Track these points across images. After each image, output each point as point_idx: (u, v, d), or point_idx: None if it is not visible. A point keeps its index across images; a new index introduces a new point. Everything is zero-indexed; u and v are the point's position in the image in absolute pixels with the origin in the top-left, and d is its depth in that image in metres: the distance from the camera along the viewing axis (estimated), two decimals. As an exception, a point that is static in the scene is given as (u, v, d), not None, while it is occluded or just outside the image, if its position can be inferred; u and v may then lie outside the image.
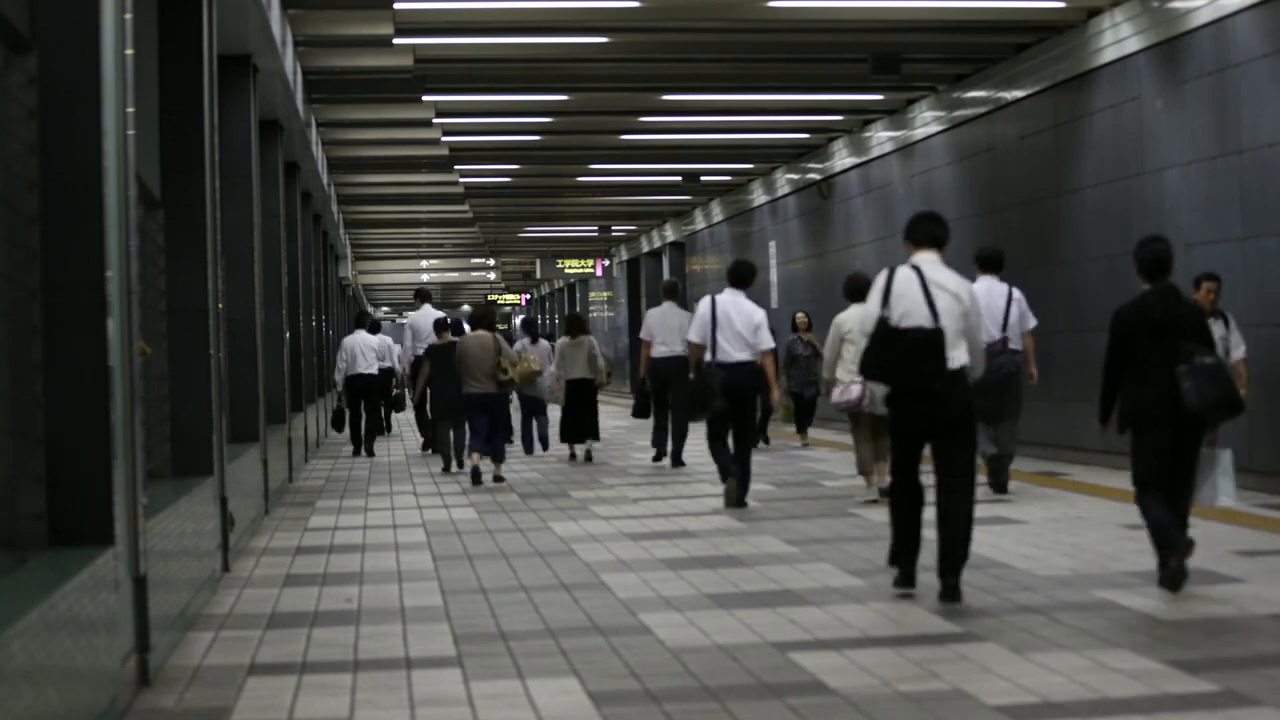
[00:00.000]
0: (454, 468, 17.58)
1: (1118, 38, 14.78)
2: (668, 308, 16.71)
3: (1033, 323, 13.08)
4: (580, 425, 18.40)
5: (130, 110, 6.68)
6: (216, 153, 10.36)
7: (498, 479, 15.63)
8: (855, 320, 11.33)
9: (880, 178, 21.95)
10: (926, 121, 19.86)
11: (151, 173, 9.43)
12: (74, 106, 6.04)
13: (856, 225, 23.08)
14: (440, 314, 19.46)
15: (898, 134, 20.99)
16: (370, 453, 21.15)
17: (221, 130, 11.01)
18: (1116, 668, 6.31)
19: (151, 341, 8.87)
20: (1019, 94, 17.02)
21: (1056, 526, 10.92)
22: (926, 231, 8.29)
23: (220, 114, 10.96)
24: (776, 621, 7.60)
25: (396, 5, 14.19)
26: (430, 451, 20.30)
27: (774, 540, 10.65)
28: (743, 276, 12.86)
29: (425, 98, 18.73)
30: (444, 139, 22.27)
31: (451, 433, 17.58)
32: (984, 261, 12.94)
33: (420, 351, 19.72)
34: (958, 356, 8.08)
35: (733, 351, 12.37)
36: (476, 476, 15.55)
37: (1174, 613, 7.48)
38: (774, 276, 27.60)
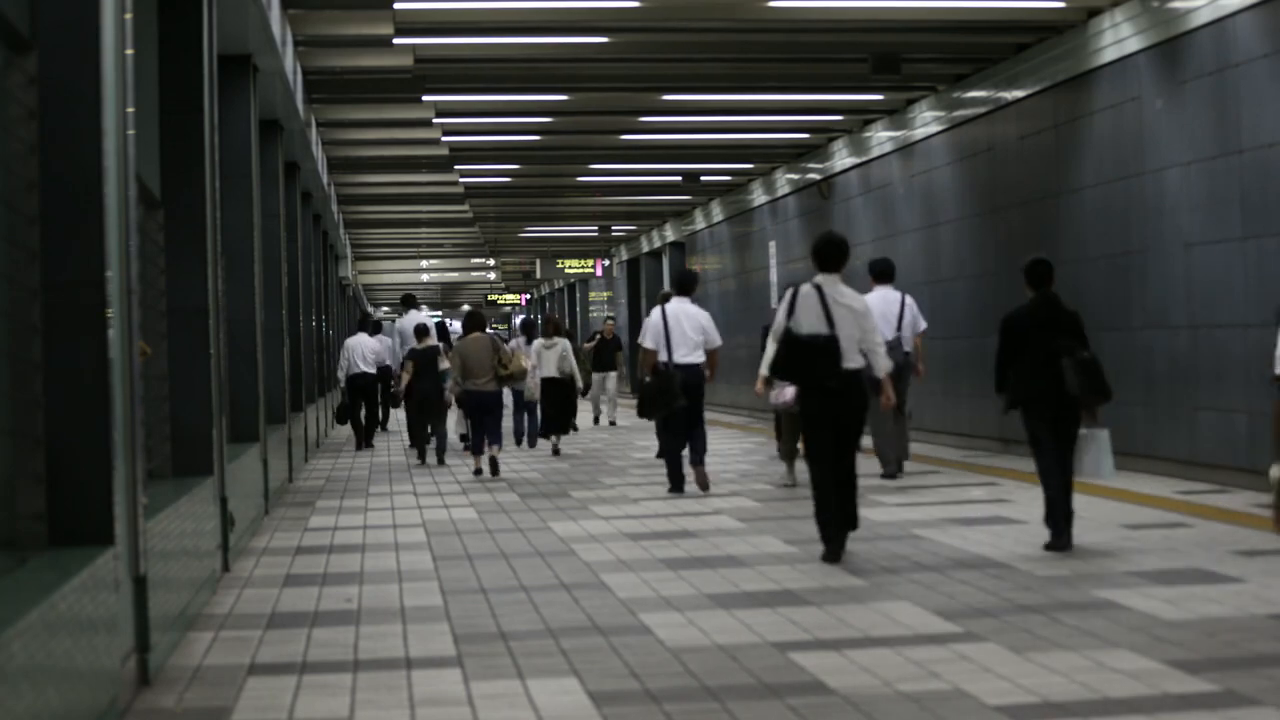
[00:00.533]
0: (428, 460, 19.08)
1: (1118, 38, 14.78)
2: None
3: (923, 325, 15.19)
4: (552, 420, 19.81)
5: (130, 110, 6.68)
6: (216, 153, 10.36)
7: (495, 467, 16.64)
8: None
9: (880, 178, 21.95)
10: (926, 121, 19.86)
11: (151, 173, 9.43)
12: (74, 106, 6.04)
13: (856, 225, 23.07)
14: (423, 319, 21.00)
15: (898, 134, 20.99)
16: (369, 444, 22.65)
17: (221, 130, 11.01)
18: (1116, 668, 6.31)
19: (151, 341, 8.87)
20: (1019, 94, 17.02)
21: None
22: (829, 257, 9.93)
23: (220, 114, 10.96)
24: (776, 621, 7.61)
25: (396, 5, 14.19)
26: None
27: (774, 540, 10.65)
28: (687, 285, 14.23)
29: (425, 98, 18.73)
30: (444, 139, 22.27)
31: (432, 433, 19.23)
32: (877, 274, 15.24)
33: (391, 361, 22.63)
34: (854, 360, 9.69)
35: (687, 353, 13.71)
36: (495, 467, 16.60)
37: (1174, 613, 7.48)
38: (774, 276, 27.60)
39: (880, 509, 12.32)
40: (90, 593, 5.50)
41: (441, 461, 18.95)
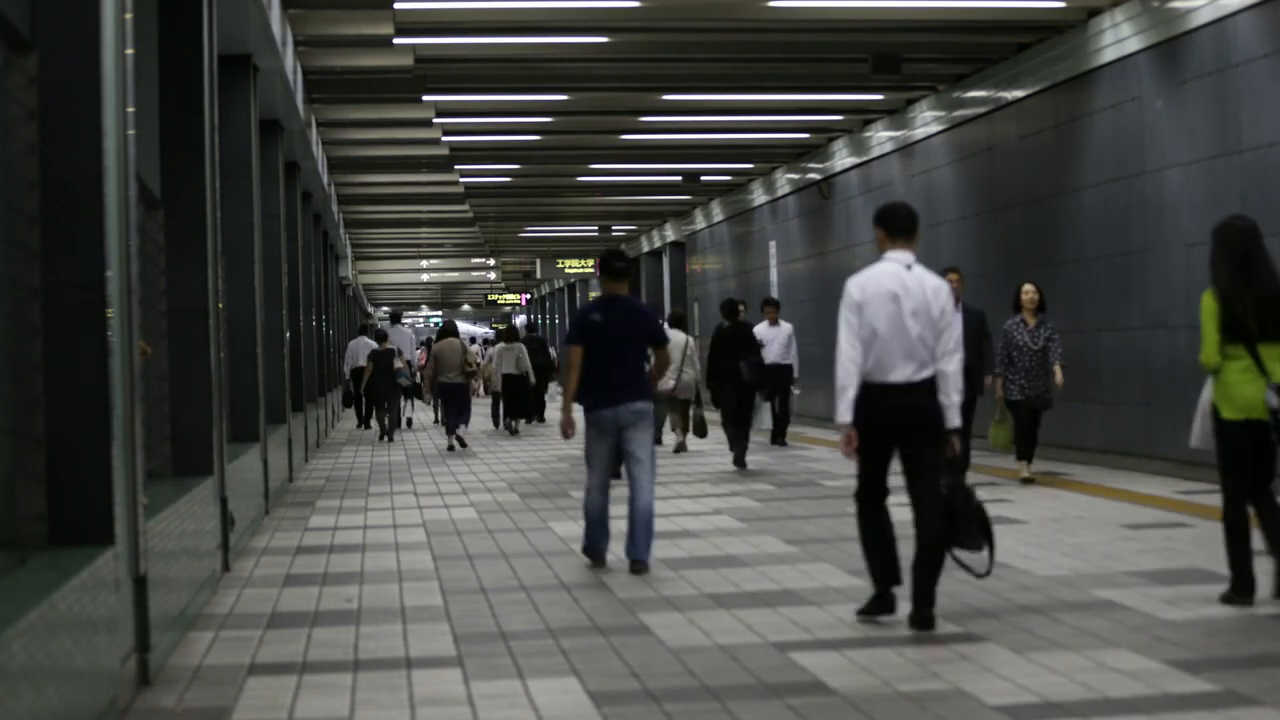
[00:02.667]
0: (388, 439, 24.16)
1: (1118, 38, 14.78)
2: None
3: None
4: (510, 408, 24.95)
5: (130, 110, 6.68)
6: (216, 153, 10.36)
7: (461, 441, 21.57)
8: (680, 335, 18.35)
9: (880, 178, 21.95)
10: (926, 121, 19.86)
11: (151, 173, 9.43)
12: (74, 106, 6.04)
13: (856, 225, 23.08)
14: (407, 332, 28.67)
15: (898, 134, 20.99)
16: (384, 433, 25.51)
17: (221, 130, 11.01)
18: (1116, 668, 6.31)
19: (151, 341, 8.87)
20: (1019, 94, 17.02)
21: (1056, 526, 10.92)
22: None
23: (220, 114, 10.96)
24: (776, 621, 7.60)
25: (396, 5, 14.19)
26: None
27: (774, 540, 10.65)
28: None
29: (425, 98, 18.74)
30: (444, 139, 22.28)
31: (388, 414, 24.88)
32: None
33: (410, 357, 29.58)
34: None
35: None
36: (462, 443, 21.57)
37: (1174, 613, 7.47)
38: (774, 276, 27.60)
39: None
40: (90, 593, 5.50)
41: (391, 438, 24.31)
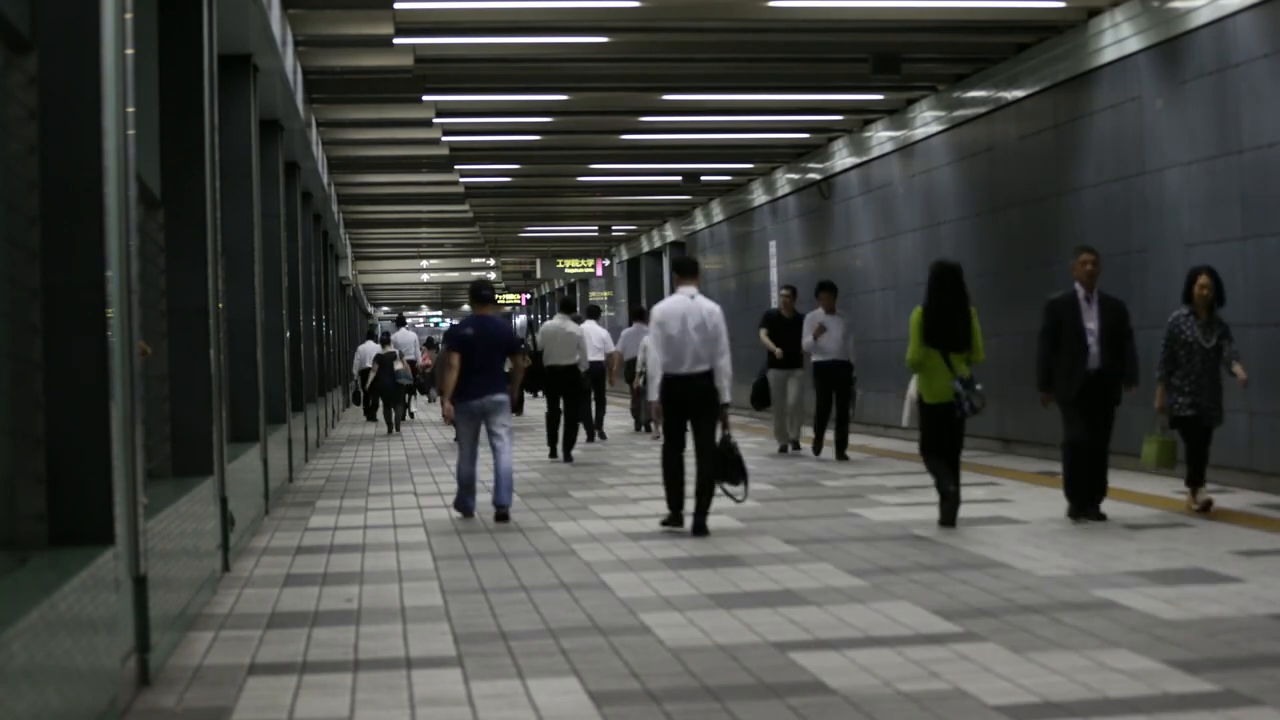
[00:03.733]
0: (393, 431, 27.11)
1: (1118, 38, 14.78)
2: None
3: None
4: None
5: (130, 110, 6.68)
6: (216, 153, 10.36)
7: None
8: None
9: (880, 178, 21.95)
10: (926, 121, 19.86)
11: (151, 173, 9.43)
12: (74, 106, 6.04)
13: (857, 225, 23.08)
14: (411, 335, 31.37)
15: (898, 134, 20.99)
16: (390, 427, 27.97)
17: (221, 130, 11.01)
18: (1116, 668, 6.31)
19: (151, 341, 8.87)
20: (1019, 94, 17.02)
21: (1056, 526, 10.92)
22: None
23: (220, 114, 10.96)
24: (776, 621, 7.61)
25: (396, 5, 14.19)
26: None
27: (774, 540, 10.65)
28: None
29: (425, 98, 18.74)
30: (444, 139, 22.28)
31: (393, 410, 27.81)
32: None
33: (412, 358, 33.22)
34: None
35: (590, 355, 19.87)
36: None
37: (1174, 613, 7.48)
38: (774, 276, 27.60)
39: (880, 509, 12.33)
40: (90, 592, 5.50)
41: (398, 430, 27.42)
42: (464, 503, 12.78)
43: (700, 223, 33.92)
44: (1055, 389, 11.40)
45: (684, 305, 11.16)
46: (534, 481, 15.97)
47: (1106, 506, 11.41)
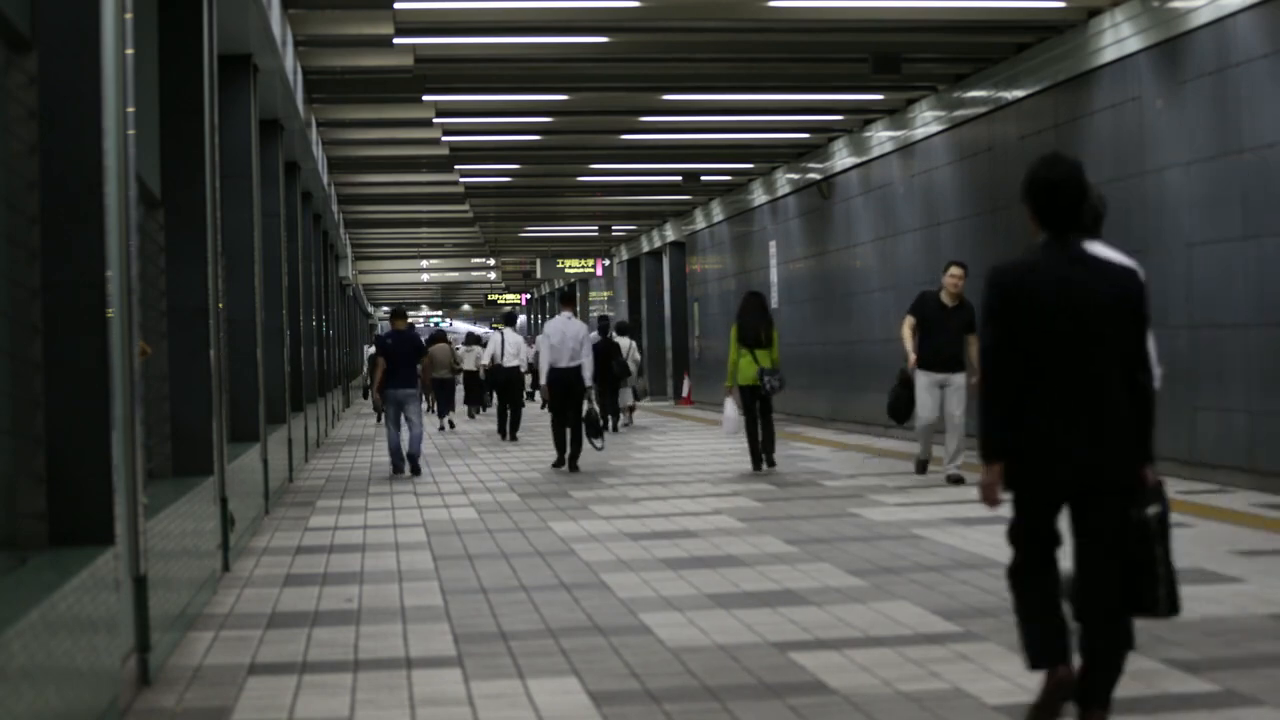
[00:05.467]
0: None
1: (1118, 37, 14.78)
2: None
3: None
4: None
5: (130, 110, 6.68)
6: (216, 153, 10.36)
7: (451, 424, 28.50)
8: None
9: (880, 178, 21.95)
10: (926, 121, 19.86)
11: (151, 173, 9.43)
12: (74, 106, 6.04)
13: (857, 225, 23.08)
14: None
15: (898, 134, 20.99)
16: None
17: (221, 130, 11.01)
18: (1116, 668, 6.30)
19: (151, 341, 8.87)
20: (1019, 94, 17.02)
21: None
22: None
23: (220, 114, 10.96)
24: (776, 621, 7.61)
25: (396, 5, 14.19)
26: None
27: (774, 540, 10.65)
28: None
29: (425, 98, 18.73)
30: (444, 139, 22.28)
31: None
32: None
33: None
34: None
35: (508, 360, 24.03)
36: (451, 425, 28.49)
37: (1174, 613, 7.47)
38: (774, 276, 27.60)
39: (880, 509, 12.33)
40: (90, 592, 5.50)
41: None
42: (396, 463, 17.78)
43: (700, 223, 33.92)
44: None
45: (564, 323, 17.33)
46: (534, 481, 15.97)
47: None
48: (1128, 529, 5.14)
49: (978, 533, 10.70)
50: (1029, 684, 6.09)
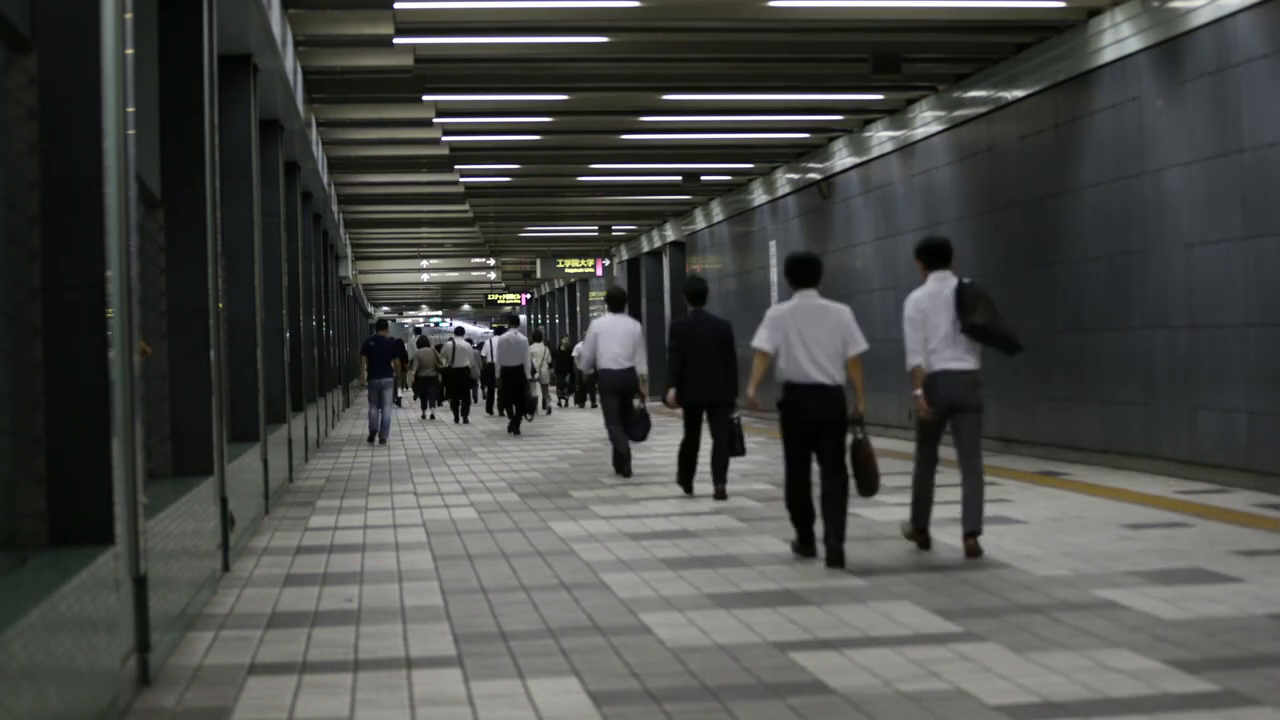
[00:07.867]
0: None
1: (1118, 37, 14.79)
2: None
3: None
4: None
5: (130, 110, 6.68)
6: (216, 153, 10.36)
7: (432, 416, 33.41)
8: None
9: (880, 178, 21.95)
10: (926, 121, 19.86)
11: (151, 173, 9.43)
12: (74, 106, 6.03)
13: (857, 225, 23.08)
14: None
15: (898, 134, 21.00)
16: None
17: (221, 130, 11.01)
18: (1116, 668, 6.31)
19: (151, 341, 8.87)
20: (1019, 94, 17.02)
21: (1056, 526, 10.92)
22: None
23: (220, 114, 10.96)
24: (776, 621, 7.61)
25: (396, 5, 14.19)
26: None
27: (774, 540, 10.65)
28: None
29: (425, 98, 18.74)
30: (444, 139, 22.28)
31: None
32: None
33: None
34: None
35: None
36: (433, 417, 33.25)
37: (1174, 613, 7.48)
38: (774, 276, 27.60)
39: (880, 509, 12.32)
40: (90, 592, 5.50)
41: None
42: (372, 437, 23.86)
43: (700, 223, 33.92)
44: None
45: (512, 339, 22.27)
46: (534, 481, 15.97)
47: (1106, 507, 11.38)
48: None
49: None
50: (1029, 684, 6.09)
